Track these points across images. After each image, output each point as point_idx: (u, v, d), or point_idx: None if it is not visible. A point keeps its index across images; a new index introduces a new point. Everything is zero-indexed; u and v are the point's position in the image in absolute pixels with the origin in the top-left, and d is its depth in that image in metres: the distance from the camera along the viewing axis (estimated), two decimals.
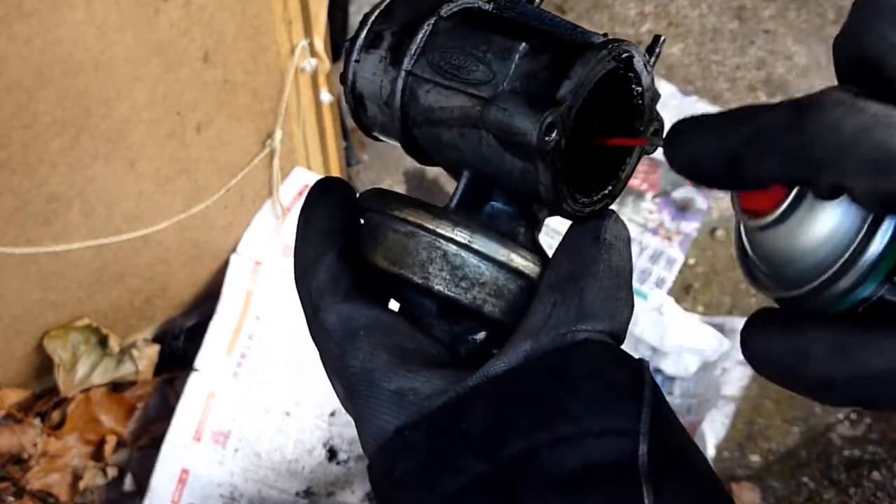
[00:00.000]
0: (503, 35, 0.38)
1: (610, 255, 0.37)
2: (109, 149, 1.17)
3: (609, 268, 0.37)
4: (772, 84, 1.85)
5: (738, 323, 1.56)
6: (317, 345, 0.40)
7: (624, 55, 0.38)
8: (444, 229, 0.38)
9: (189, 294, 1.50)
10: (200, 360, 1.40)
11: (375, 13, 0.41)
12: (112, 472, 1.39)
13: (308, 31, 1.29)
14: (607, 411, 0.34)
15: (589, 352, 0.35)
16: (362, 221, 0.41)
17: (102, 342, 1.40)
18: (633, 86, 0.39)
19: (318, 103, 1.41)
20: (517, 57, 0.37)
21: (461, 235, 0.38)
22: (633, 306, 0.38)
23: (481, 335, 0.40)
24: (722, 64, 1.88)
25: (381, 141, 0.43)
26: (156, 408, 1.43)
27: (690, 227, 1.70)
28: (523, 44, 0.38)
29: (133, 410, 1.42)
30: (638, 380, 0.35)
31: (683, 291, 1.67)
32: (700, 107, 1.80)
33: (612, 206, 0.41)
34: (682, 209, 1.71)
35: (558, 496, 0.32)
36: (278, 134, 1.35)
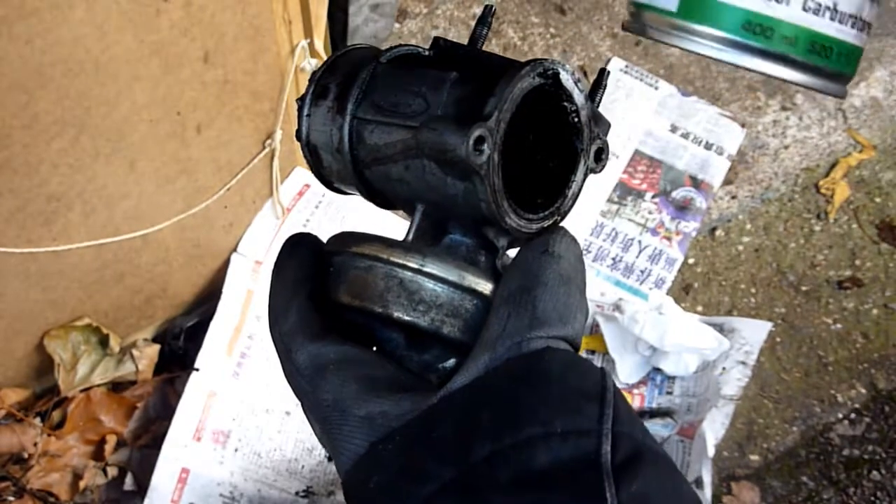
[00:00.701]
0: (437, 68, 0.40)
1: (559, 264, 0.39)
2: (110, 149, 1.17)
3: (559, 276, 0.38)
4: (772, 84, 1.85)
5: (738, 323, 1.56)
6: (291, 386, 0.41)
7: (549, 72, 0.39)
8: (397, 257, 0.39)
9: (189, 294, 1.50)
10: (201, 360, 1.40)
11: (321, 69, 0.43)
12: (112, 471, 1.39)
13: (308, 31, 1.29)
14: (571, 413, 0.35)
15: (550, 358, 0.36)
16: (330, 265, 0.43)
17: (103, 342, 1.40)
18: (565, 103, 0.41)
19: None
20: (448, 85, 0.39)
21: (414, 261, 0.39)
22: (586, 313, 0.40)
23: (450, 362, 0.41)
24: (721, 64, 1.88)
25: (344, 193, 0.45)
26: (156, 407, 1.44)
27: (690, 227, 1.70)
28: (454, 73, 0.40)
29: (133, 410, 1.42)
30: (598, 382, 0.36)
31: (683, 291, 1.67)
32: (700, 106, 1.80)
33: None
34: (682, 209, 1.71)
35: (526, 495, 0.33)
36: (278, 134, 1.35)
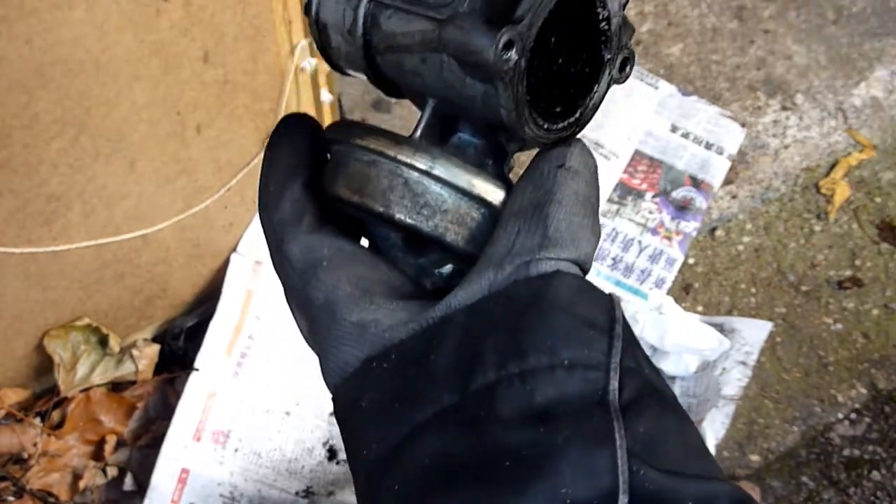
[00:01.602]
0: None
1: (576, 181, 0.37)
2: (110, 149, 1.17)
3: (575, 195, 0.36)
4: (772, 84, 1.85)
5: (738, 323, 1.56)
6: (280, 277, 0.39)
7: None
8: (405, 156, 0.37)
9: (189, 294, 1.50)
10: (200, 360, 1.40)
11: None
12: (112, 471, 1.39)
13: (308, 31, 1.28)
14: (579, 344, 0.33)
15: (559, 283, 0.34)
16: (329, 153, 0.40)
17: (102, 342, 1.40)
18: (598, 9, 0.38)
19: (318, 103, 1.41)
20: None
21: (422, 162, 0.37)
22: (599, 236, 0.37)
23: (447, 268, 0.39)
24: (722, 64, 1.88)
25: (349, 75, 0.42)
26: (156, 407, 1.43)
27: (690, 227, 1.70)
28: None
29: (133, 410, 1.42)
30: (609, 314, 0.34)
31: (683, 291, 1.67)
32: (700, 106, 1.80)
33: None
34: (682, 209, 1.71)
35: (529, 429, 0.31)
36: None
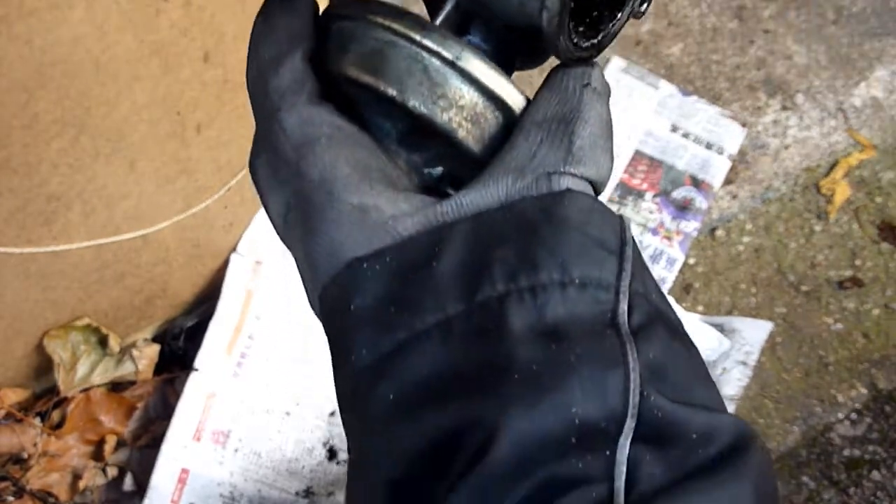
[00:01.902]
0: None
1: (600, 103, 0.36)
2: (109, 149, 1.16)
3: (599, 116, 0.35)
4: (772, 84, 1.85)
5: (739, 323, 1.56)
6: (268, 150, 0.36)
7: None
8: (432, 42, 0.35)
9: (189, 294, 1.50)
10: (200, 360, 1.40)
11: None
12: (112, 471, 1.39)
13: None
14: (591, 264, 0.32)
15: (573, 201, 0.33)
16: (333, 29, 0.37)
17: (102, 342, 1.40)
18: None
19: None
20: None
21: (449, 51, 0.35)
22: (613, 161, 0.37)
23: (438, 170, 0.37)
24: (722, 64, 1.88)
25: None
26: (156, 408, 1.43)
27: (690, 227, 1.70)
28: None
29: (133, 410, 1.42)
30: (619, 236, 0.34)
31: (683, 291, 1.67)
32: (700, 106, 1.80)
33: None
34: (682, 209, 1.71)
35: (540, 345, 0.30)
36: None
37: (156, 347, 1.45)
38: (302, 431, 1.41)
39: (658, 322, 0.32)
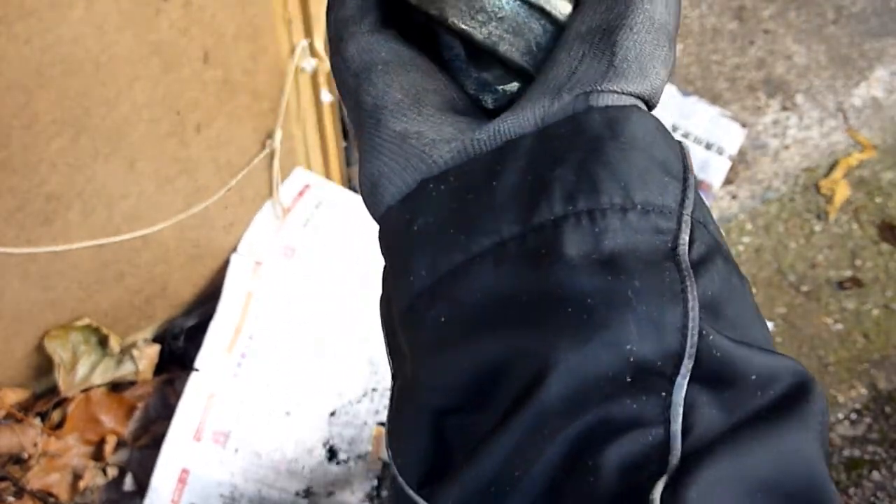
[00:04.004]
0: None
1: (654, 5, 0.33)
2: (109, 149, 1.17)
3: (650, 20, 0.33)
4: (772, 84, 1.85)
5: None
6: (336, 81, 0.37)
7: None
8: None
9: (189, 294, 1.50)
10: (200, 360, 1.40)
11: None
12: (112, 471, 1.39)
13: (308, 31, 1.28)
14: (654, 188, 0.30)
15: (638, 120, 0.31)
16: None
17: (102, 342, 1.40)
18: None
19: (318, 103, 1.41)
20: None
21: None
22: (671, 66, 0.34)
23: (512, 85, 0.36)
24: (722, 64, 1.88)
25: None
26: (156, 408, 1.43)
27: None
28: None
29: (133, 410, 1.42)
30: (682, 161, 0.32)
31: None
32: (700, 107, 1.80)
33: None
34: None
35: (596, 275, 0.29)
36: (278, 134, 1.35)
37: (156, 347, 1.45)
38: (302, 431, 1.41)
39: (717, 255, 0.31)
